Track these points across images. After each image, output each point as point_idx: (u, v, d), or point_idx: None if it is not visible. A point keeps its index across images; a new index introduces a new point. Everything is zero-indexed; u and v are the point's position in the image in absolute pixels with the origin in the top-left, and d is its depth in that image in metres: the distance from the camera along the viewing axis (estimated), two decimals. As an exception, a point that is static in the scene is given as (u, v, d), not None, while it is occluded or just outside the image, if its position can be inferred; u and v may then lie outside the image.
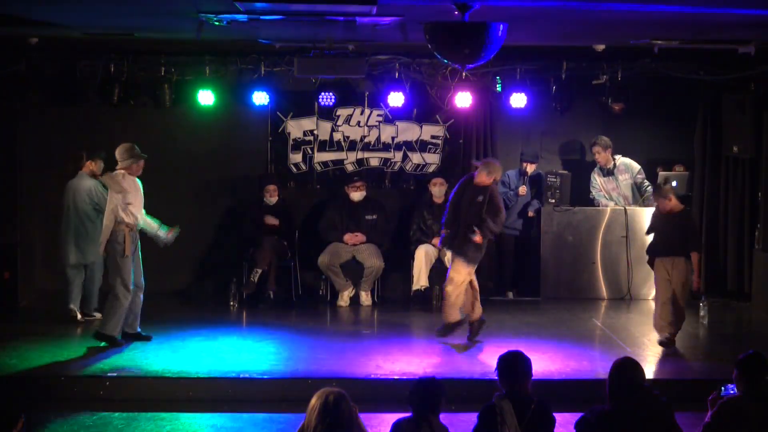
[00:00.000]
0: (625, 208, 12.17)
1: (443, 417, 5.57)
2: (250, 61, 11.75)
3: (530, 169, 12.24)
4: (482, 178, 9.76)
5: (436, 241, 11.78)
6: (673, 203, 9.89)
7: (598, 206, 12.27)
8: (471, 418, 5.80)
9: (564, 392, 8.34)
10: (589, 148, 12.36)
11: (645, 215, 12.22)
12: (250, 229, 11.83)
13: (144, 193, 11.20)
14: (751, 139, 11.57)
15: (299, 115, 12.45)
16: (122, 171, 9.57)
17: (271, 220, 11.77)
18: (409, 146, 12.56)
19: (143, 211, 9.72)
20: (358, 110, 12.48)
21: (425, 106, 12.39)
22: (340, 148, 12.53)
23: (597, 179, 12.31)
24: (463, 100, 11.73)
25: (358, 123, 12.51)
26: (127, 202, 9.49)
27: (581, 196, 12.62)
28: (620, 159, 12.24)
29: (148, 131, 12.15)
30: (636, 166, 12.27)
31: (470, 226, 9.69)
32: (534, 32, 9.77)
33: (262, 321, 11.05)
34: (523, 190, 12.18)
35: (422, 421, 5.45)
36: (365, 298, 11.87)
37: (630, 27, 9.22)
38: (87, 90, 11.80)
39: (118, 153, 9.62)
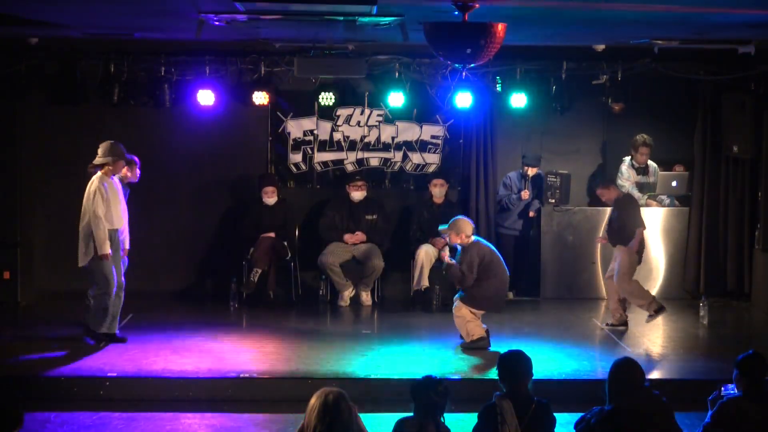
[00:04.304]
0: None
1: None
2: (250, 61, 11.75)
3: (531, 172, 12.23)
4: (453, 239, 9.71)
5: (436, 241, 11.79)
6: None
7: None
8: (471, 418, 5.81)
9: (564, 392, 8.34)
10: (633, 144, 12.11)
11: (645, 215, 12.23)
12: (250, 230, 11.83)
13: (144, 193, 11.24)
14: (751, 139, 11.57)
15: (299, 115, 12.44)
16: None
17: (269, 234, 11.74)
18: (409, 146, 12.56)
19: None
20: (358, 110, 12.48)
21: (425, 106, 12.39)
22: (340, 148, 12.52)
23: (628, 172, 12.15)
24: (463, 100, 11.72)
25: (358, 123, 12.50)
26: None
27: (581, 196, 12.64)
28: (649, 161, 12.22)
29: (148, 131, 12.16)
30: (657, 172, 12.25)
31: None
32: (534, 32, 9.77)
33: (262, 321, 11.04)
34: (525, 194, 12.16)
35: (426, 420, 5.44)
36: (365, 298, 11.86)
37: (630, 27, 9.22)
38: (87, 90, 11.78)
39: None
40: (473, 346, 9.65)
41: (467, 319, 9.66)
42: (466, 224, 9.73)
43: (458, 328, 9.77)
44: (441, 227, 10.02)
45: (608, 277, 10.81)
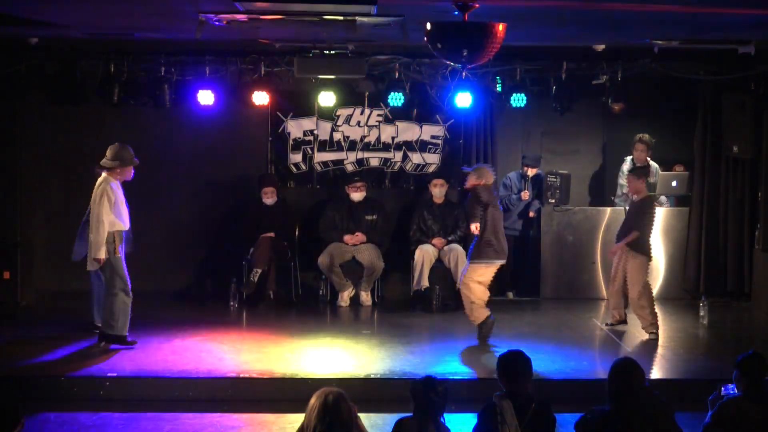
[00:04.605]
0: (625, 208, 12.14)
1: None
2: (250, 61, 11.74)
3: (531, 172, 12.23)
4: (471, 181, 9.88)
5: (436, 241, 11.79)
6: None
7: (622, 197, 12.12)
8: (471, 418, 5.81)
9: (564, 392, 8.35)
10: (632, 142, 12.14)
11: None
12: (250, 230, 11.82)
13: (144, 193, 11.24)
14: (751, 139, 11.58)
15: (299, 115, 12.45)
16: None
17: (269, 234, 11.75)
18: (409, 146, 12.56)
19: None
20: (358, 110, 12.48)
21: (425, 106, 12.38)
22: (340, 148, 12.53)
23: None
24: (463, 100, 11.72)
25: (358, 123, 12.51)
26: None
27: (581, 196, 12.64)
28: (651, 161, 12.19)
29: (148, 131, 12.16)
30: (658, 173, 12.23)
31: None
32: (534, 32, 9.77)
33: (262, 321, 11.05)
34: (525, 194, 12.16)
35: (426, 420, 5.44)
36: (365, 298, 11.86)
37: (630, 27, 9.22)
38: (87, 90, 11.78)
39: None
40: (482, 335, 9.83)
41: (471, 299, 9.79)
42: (490, 174, 9.99)
43: (464, 305, 9.96)
44: (464, 167, 10.37)
45: (615, 288, 10.64)
